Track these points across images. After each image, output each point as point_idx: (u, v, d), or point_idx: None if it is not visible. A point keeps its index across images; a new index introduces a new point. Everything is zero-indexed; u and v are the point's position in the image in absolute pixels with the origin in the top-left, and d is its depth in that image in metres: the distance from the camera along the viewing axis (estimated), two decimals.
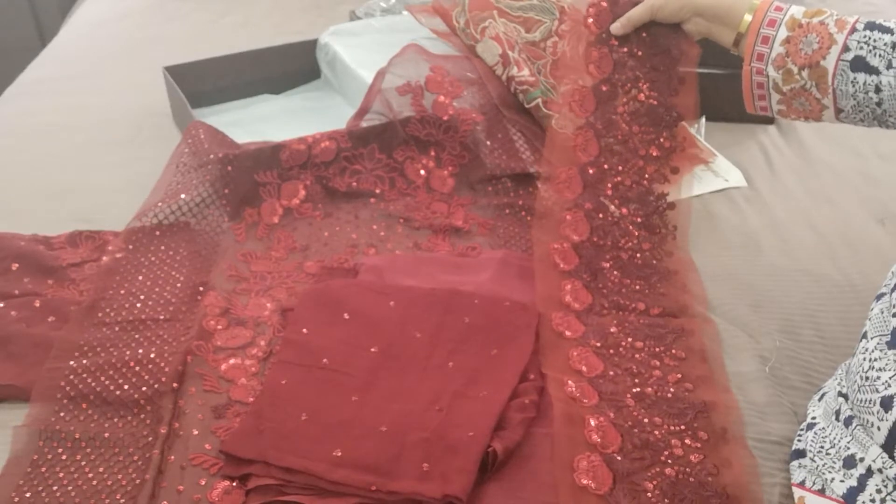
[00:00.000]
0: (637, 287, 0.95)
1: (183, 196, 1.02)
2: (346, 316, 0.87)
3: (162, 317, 0.89)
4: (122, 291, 0.92)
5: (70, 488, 0.71)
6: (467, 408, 0.77)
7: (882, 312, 0.70)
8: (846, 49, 0.85)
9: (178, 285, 0.94)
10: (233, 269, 0.97)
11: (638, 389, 0.81)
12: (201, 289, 0.93)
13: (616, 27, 1.03)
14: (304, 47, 1.36)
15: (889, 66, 0.82)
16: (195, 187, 1.03)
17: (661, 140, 1.03)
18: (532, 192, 1.10)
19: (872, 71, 0.84)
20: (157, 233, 0.99)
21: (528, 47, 1.23)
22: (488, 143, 1.14)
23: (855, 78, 0.84)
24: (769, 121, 1.31)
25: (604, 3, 1.05)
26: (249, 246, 1.01)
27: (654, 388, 0.81)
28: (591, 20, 1.05)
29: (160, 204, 1.01)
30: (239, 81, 1.31)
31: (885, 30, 0.84)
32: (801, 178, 1.18)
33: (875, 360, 0.67)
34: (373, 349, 0.84)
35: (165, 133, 1.24)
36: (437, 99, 1.13)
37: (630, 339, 0.87)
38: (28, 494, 0.71)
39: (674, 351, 0.86)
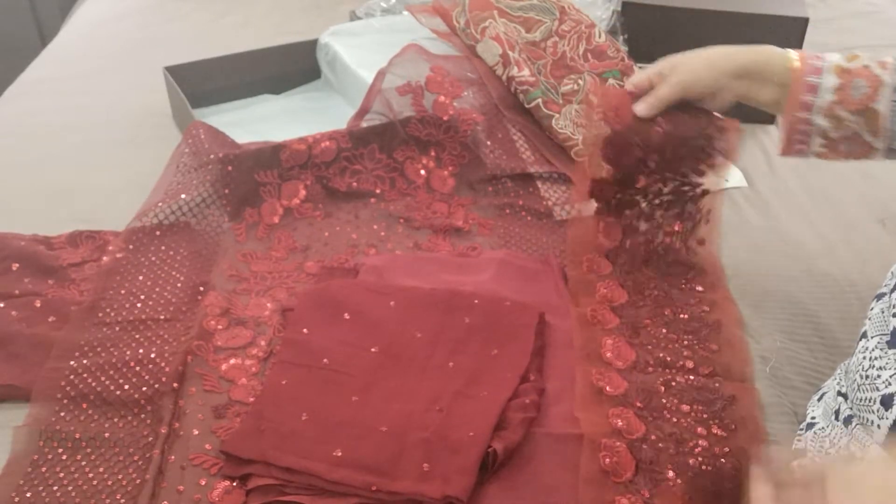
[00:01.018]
0: (685, 342, 0.87)
1: (183, 196, 1.02)
2: (346, 316, 0.87)
3: (162, 317, 0.89)
4: (123, 291, 0.92)
5: (70, 488, 0.71)
6: (468, 408, 0.77)
7: (882, 312, 0.70)
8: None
9: (179, 285, 0.94)
10: (233, 269, 0.97)
11: (680, 460, 0.74)
12: (202, 289, 0.94)
13: (642, 108, 0.91)
14: (305, 47, 1.36)
15: None
16: (195, 187, 1.03)
17: (686, 214, 0.96)
18: (532, 192, 1.11)
19: None
20: (158, 233, 0.99)
21: (529, 47, 1.23)
22: (488, 143, 1.14)
23: None
24: (769, 121, 1.31)
25: (622, 89, 0.94)
26: (250, 246, 1.01)
27: (697, 460, 0.74)
28: (609, 112, 0.92)
29: (160, 204, 1.01)
30: (239, 81, 1.31)
31: None
32: (801, 178, 1.18)
33: (875, 358, 0.67)
34: (373, 349, 0.84)
35: (166, 133, 1.24)
36: (437, 99, 1.13)
37: (676, 401, 0.79)
38: (28, 494, 0.71)
39: (724, 419, 0.78)
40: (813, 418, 0.76)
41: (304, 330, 0.86)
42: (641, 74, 0.93)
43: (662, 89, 0.90)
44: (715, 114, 0.93)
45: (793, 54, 0.86)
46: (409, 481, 0.70)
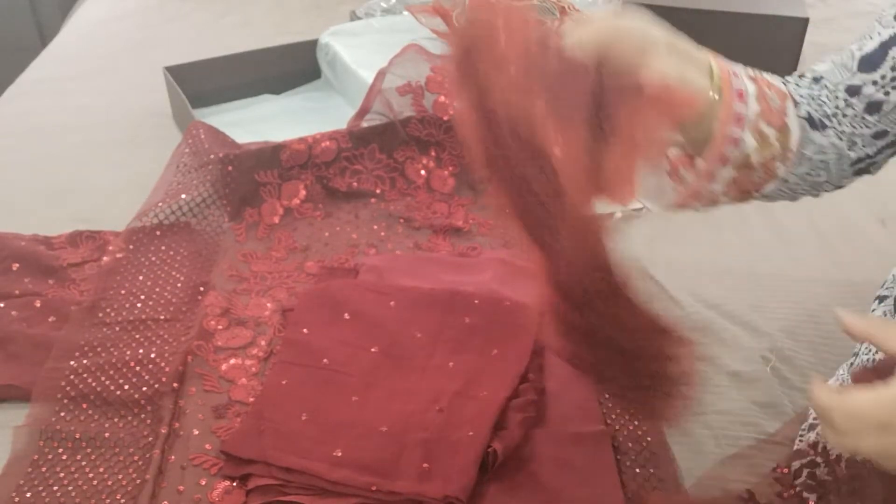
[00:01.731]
0: None
1: (183, 196, 1.02)
2: (346, 316, 0.87)
3: (162, 317, 0.89)
4: (123, 291, 0.92)
5: (70, 488, 0.71)
6: (468, 408, 0.77)
7: (885, 314, 0.70)
8: (796, 103, 0.70)
9: (179, 285, 0.94)
10: (233, 269, 0.97)
11: None
12: (202, 289, 0.93)
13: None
14: (305, 47, 1.36)
15: (824, 126, 0.71)
16: (196, 187, 1.03)
17: None
18: None
19: (821, 129, 0.71)
20: (158, 233, 0.99)
21: None
22: None
23: (812, 138, 0.70)
24: None
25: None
26: (250, 246, 1.01)
27: None
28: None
29: (161, 204, 1.01)
30: (239, 82, 1.31)
31: (794, 83, 0.72)
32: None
33: (878, 361, 0.67)
34: (373, 349, 0.84)
35: (166, 133, 1.24)
36: (437, 99, 1.13)
37: None
38: (28, 494, 0.71)
39: None
40: (815, 419, 0.76)
41: (305, 330, 0.86)
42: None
43: (584, 31, 0.63)
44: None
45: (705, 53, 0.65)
46: (409, 481, 0.70)
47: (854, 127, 0.71)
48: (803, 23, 1.26)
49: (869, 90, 0.70)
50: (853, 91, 0.71)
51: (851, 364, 0.73)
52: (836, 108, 0.72)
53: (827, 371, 0.85)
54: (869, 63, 0.71)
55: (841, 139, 0.72)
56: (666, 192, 0.68)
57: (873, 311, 0.72)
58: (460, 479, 0.69)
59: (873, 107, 0.71)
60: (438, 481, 0.69)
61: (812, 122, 0.70)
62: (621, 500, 0.70)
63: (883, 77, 0.70)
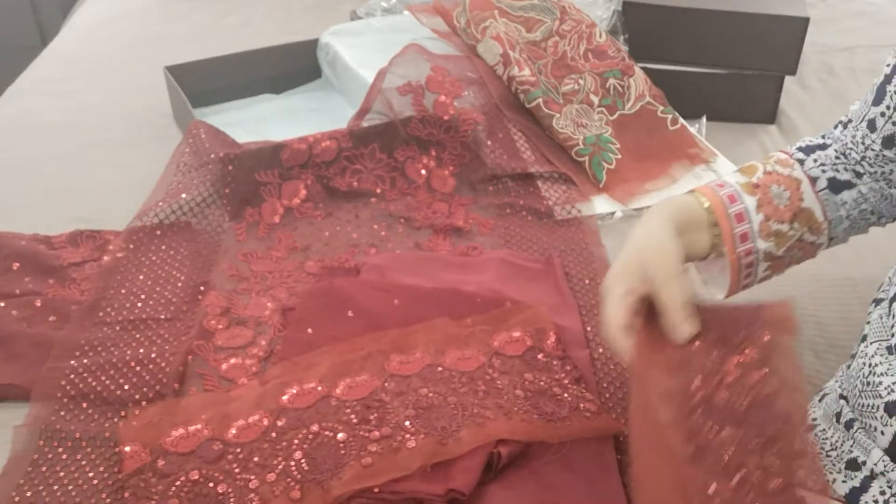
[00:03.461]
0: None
1: (184, 196, 1.02)
2: (350, 314, 0.87)
3: (163, 316, 0.89)
4: (123, 291, 0.92)
5: (70, 487, 0.71)
6: None
7: (881, 318, 0.70)
8: (813, 180, 0.78)
9: (179, 285, 0.94)
10: (233, 269, 0.97)
11: None
12: (202, 288, 0.93)
13: (683, 329, 0.66)
14: (305, 47, 1.36)
15: (858, 176, 0.78)
16: (196, 187, 1.03)
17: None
18: (533, 191, 1.10)
19: (850, 186, 0.78)
20: (158, 232, 0.99)
21: (529, 47, 1.23)
22: (489, 142, 1.14)
23: (842, 199, 0.78)
24: (769, 120, 1.31)
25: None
26: (250, 245, 1.01)
27: None
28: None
29: (161, 203, 1.01)
30: (240, 81, 1.31)
31: (820, 146, 0.81)
32: None
33: (876, 365, 0.67)
34: None
35: (166, 133, 1.24)
36: (437, 99, 1.13)
37: None
38: (29, 494, 0.70)
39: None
40: (813, 419, 0.76)
41: (309, 330, 0.86)
42: (617, 305, 0.67)
43: (671, 292, 0.66)
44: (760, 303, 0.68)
45: (698, 194, 0.75)
46: (413, 481, 0.70)
47: (881, 165, 0.77)
48: (803, 23, 1.26)
49: (880, 123, 0.73)
50: (871, 126, 0.77)
51: (848, 366, 0.73)
52: (862, 151, 0.77)
53: (828, 371, 0.85)
54: (879, 93, 0.74)
55: (878, 180, 0.77)
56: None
57: (870, 313, 0.72)
58: (463, 476, 0.69)
59: (888, 141, 0.75)
60: (441, 481, 0.69)
61: (837, 186, 0.77)
62: (623, 499, 0.70)
63: (888, 108, 0.73)
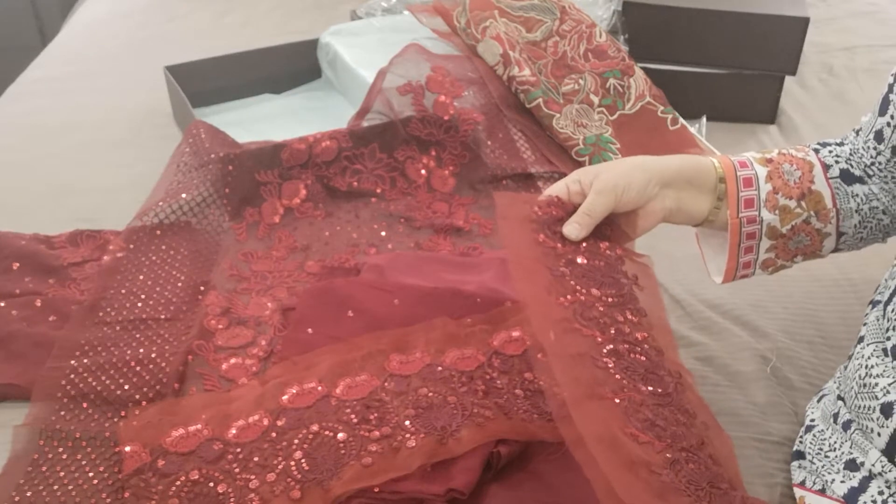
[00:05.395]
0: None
1: (184, 195, 1.02)
2: (350, 314, 0.87)
3: (163, 316, 0.89)
4: (123, 291, 0.92)
5: (71, 487, 0.71)
6: None
7: (877, 320, 0.70)
8: (826, 166, 0.78)
9: (179, 285, 0.94)
10: (234, 269, 0.97)
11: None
12: (202, 288, 0.93)
13: (574, 230, 0.73)
14: (305, 47, 1.36)
15: (869, 177, 0.78)
16: (196, 187, 1.03)
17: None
18: (533, 191, 1.10)
19: (862, 181, 0.78)
20: (158, 232, 0.99)
21: (529, 47, 1.23)
22: (489, 142, 1.14)
23: (854, 191, 0.78)
24: (769, 120, 1.31)
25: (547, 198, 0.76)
26: (250, 245, 1.01)
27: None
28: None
29: (161, 203, 1.01)
30: (240, 81, 1.31)
31: (837, 143, 0.81)
32: None
33: (872, 366, 0.67)
34: None
35: (166, 133, 1.24)
36: (438, 99, 1.13)
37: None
38: (29, 493, 0.71)
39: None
40: (812, 420, 0.76)
41: (309, 330, 0.86)
42: (557, 184, 0.77)
43: (593, 201, 0.73)
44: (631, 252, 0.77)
45: (712, 158, 0.78)
46: (412, 481, 0.70)
47: (892, 170, 0.77)
48: (803, 22, 1.26)
49: (887, 133, 0.74)
50: (879, 137, 0.77)
51: (846, 367, 0.74)
52: (872, 157, 0.78)
53: (827, 371, 0.85)
54: (883, 105, 0.75)
55: (887, 182, 0.78)
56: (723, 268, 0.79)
57: (867, 315, 0.72)
58: (463, 476, 0.69)
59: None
60: (441, 481, 0.69)
61: (849, 177, 0.78)
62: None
63: (892, 118, 0.74)
